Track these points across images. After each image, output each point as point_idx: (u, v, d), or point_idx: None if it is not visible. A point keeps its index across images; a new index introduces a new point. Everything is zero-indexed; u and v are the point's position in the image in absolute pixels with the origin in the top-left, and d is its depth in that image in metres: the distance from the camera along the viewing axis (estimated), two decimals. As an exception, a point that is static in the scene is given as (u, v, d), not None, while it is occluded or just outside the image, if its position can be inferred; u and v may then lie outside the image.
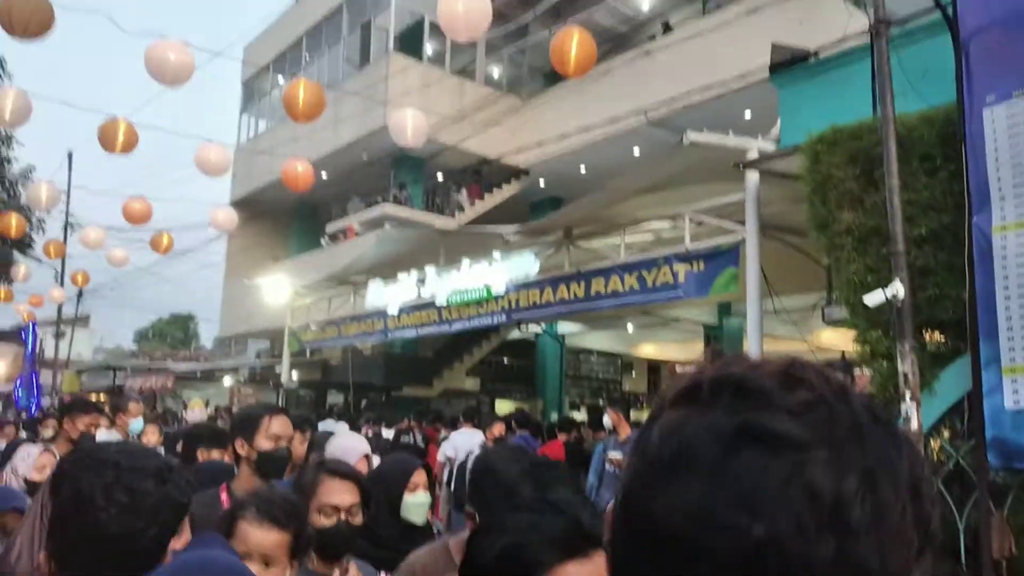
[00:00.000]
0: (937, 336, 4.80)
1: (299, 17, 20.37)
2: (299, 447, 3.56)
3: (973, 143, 4.24)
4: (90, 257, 16.26)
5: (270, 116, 21.48)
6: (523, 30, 15.30)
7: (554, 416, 14.98)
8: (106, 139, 8.61)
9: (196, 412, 12.04)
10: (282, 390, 15.51)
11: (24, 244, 20.65)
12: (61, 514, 1.30)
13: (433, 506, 3.59)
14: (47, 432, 7.48)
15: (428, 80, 16.71)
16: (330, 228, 18.60)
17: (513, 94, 17.64)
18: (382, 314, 12.26)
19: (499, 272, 10.16)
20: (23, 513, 2.70)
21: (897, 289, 4.37)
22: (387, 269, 12.16)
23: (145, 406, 9.63)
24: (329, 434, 4.01)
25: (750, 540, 0.49)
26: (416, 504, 2.64)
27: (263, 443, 2.76)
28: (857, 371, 5.71)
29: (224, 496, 2.68)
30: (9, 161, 20.68)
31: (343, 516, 2.23)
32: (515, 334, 17.76)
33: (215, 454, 4.23)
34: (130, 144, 8.70)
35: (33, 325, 19.93)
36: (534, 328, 17.19)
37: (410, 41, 17.53)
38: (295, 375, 15.74)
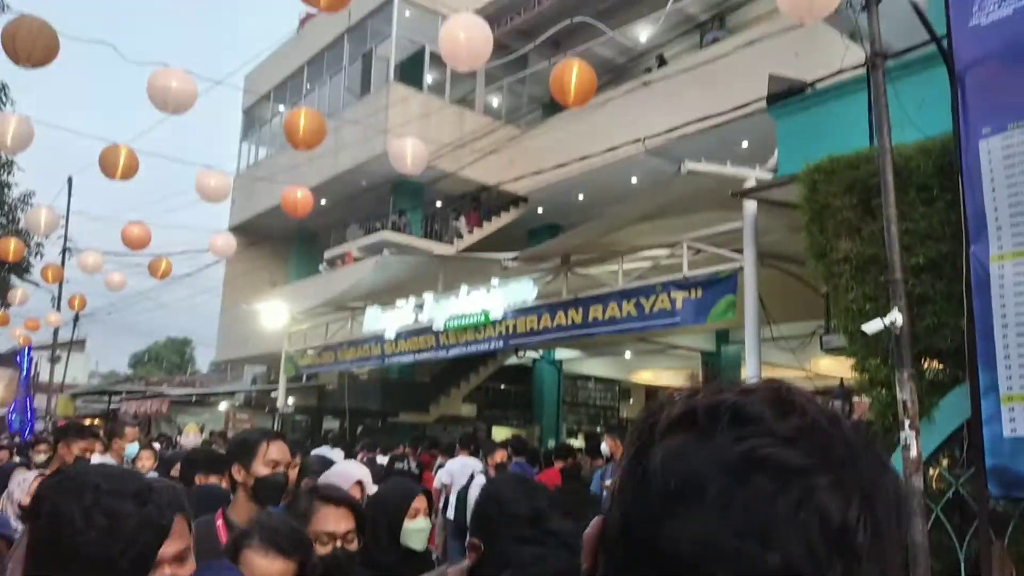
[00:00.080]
0: (936, 364, 4.81)
1: (300, 47, 20.59)
2: (291, 473, 3.53)
3: (970, 174, 4.28)
4: (87, 281, 16.24)
5: (270, 143, 21.62)
6: (522, 61, 15.47)
7: (551, 443, 14.89)
8: (107, 165, 8.65)
9: (191, 437, 11.97)
10: (278, 415, 15.43)
11: (21, 268, 20.63)
12: (40, 538, 1.27)
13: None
14: (39, 457, 7.43)
15: (428, 109, 16.86)
16: (328, 254, 18.64)
17: (512, 124, 17.79)
18: (379, 339, 12.25)
19: (497, 298, 10.18)
20: (11, 542, 2.68)
21: (896, 317, 4.39)
22: (385, 295, 12.17)
23: (140, 431, 9.56)
24: (321, 459, 3.98)
25: (765, 568, 0.49)
26: (416, 530, 2.62)
27: (260, 469, 2.71)
28: (856, 399, 5.71)
29: (220, 523, 2.65)
30: (9, 186, 20.73)
31: (339, 543, 2.21)
32: (512, 360, 17.72)
33: (212, 479, 4.20)
34: (131, 170, 8.74)
35: (29, 349, 19.85)
36: (531, 354, 17.18)
37: (410, 71, 17.71)
38: (291, 400, 15.66)
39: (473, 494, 6.54)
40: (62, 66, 6.81)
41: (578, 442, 16.08)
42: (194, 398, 23.15)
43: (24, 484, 4.07)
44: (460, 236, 17.41)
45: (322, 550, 2.17)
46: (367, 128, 15.73)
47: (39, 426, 18.56)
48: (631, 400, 21.02)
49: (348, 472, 3.40)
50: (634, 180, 14.46)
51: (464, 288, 10.63)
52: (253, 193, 19.95)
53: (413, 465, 10.30)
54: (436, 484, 9.20)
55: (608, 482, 6.23)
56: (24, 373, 19.14)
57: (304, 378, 16.34)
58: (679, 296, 8.06)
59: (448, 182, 16.73)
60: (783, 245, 7.28)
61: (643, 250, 8.98)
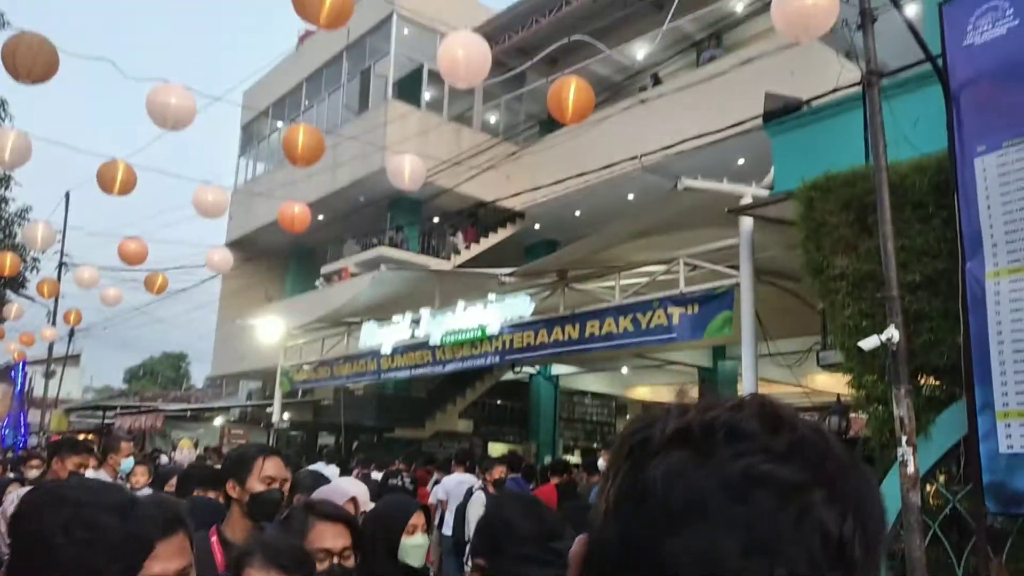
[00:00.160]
0: (932, 381, 4.82)
1: (299, 63, 20.69)
2: (284, 489, 3.50)
3: (965, 191, 4.32)
4: (82, 296, 16.22)
5: (268, 159, 21.67)
6: (520, 78, 15.56)
7: (548, 459, 14.85)
8: (104, 180, 8.66)
9: (185, 453, 11.92)
10: (273, 431, 15.36)
11: (17, 283, 20.59)
12: (21, 554, 1.24)
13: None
14: (32, 472, 7.38)
15: (426, 126, 16.93)
16: (325, 270, 18.64)
17: (509, 140, 17.87)
18: (375, 354, 12.23)
19: (493, 314, 10.18)
20: (2, 562, 2.66)
21: (892, 334, 4.40)
22: (382, 310, 12.16)
23: (134, 446, 9.52)
24: (312, 474, 3.93)
25: None
26: (414, 546, 2.60)
27: (255, 485, 2.68)
28: (853, 415, 5.71)
29: (214, 539, 2.63)
30: (6, 201, 20.73)
31: (335, 560, 2.20)
32: (509, 376, 17.69)
33: (210, 496, 4.17)
34: (128, 185, 8.75)
35: (23, 364, 19.78)
36: (528, 369, 17.15)
37: (409, 88, 17.81)
38: (286, 416, 15.60)
39: (472, 510, 6.52)
40: (61, 82, 6.83)
41: (575, 458, 16.03)
42: (189, 413, 23.05)
43: (17, 500, 4.04)
44: (457, 252, 17.43)
45: (319, 567, 2.15)
46: (365, 144, 15.78)
47: (33, 441, 18.46)
48: (628, 416, 20.98)
49: (342, 489, 3.36)
50: (631, 196, 14.51)
51: (461, 303, 10.63)
52: (250, 208, 19.97)
53: (407, 481, 10.25)
54: (432, 500, 9.16)
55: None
56: (18, 388, 19.06)
57: (300, 393, 16.28)
58: (676, 312, 8.07)
59: (445, 198, 16.78)
60: (779, 261, 7.30)
61: (640, 266, 9.00)
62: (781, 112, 6.50)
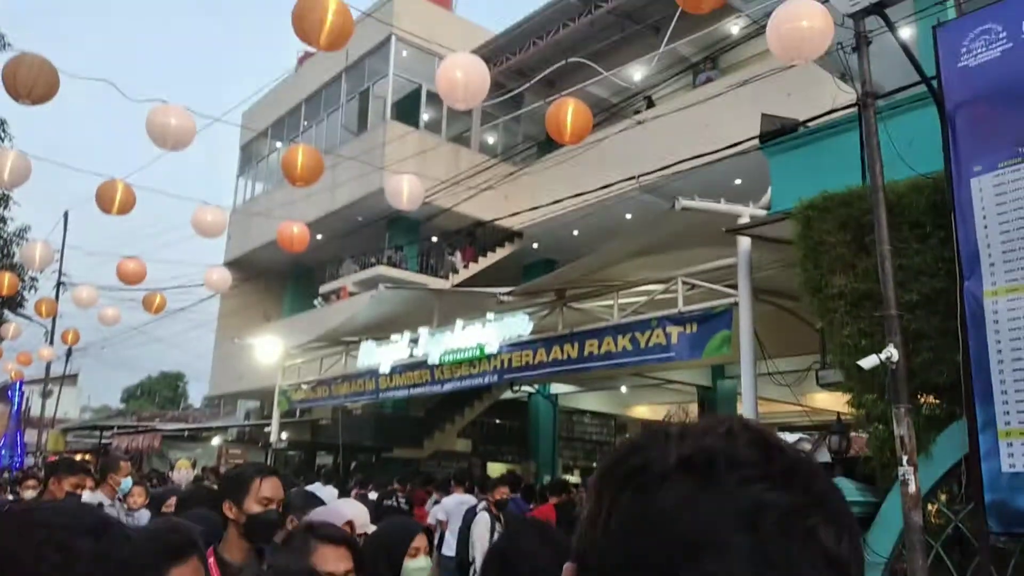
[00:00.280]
0: (932, 400, 4.82)
1: (298, 85, 20.82)
2: None
3: (962, 211, 4.34)
4: (80, 316, 16.20)
5: (267, 179, 21.74)
6: (518, 99, 15.66)
7: (547, 478, 14.78)
8: (103, 200, 8.68)
9: (183, 473, 11.85)
10: (271, 450, 15.28)
11: (15, 302, 20.56)
12: None
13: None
14: (28, 492, 7.35)
15: (424, 146, 17.01)
16: (324, 289, 18.64)
17: (507, 161, 17.96)
18: (373, 374, 12.20)
19: (492, 332, 10.18)
20: None
21: (891, 353, 4.40)
22: (380, 330, 12.15)
23: (131, 466, 9.47)
24: (303, 494, 3.90)
25: None
26: (417, 569, 2.58)
27: (252, 506, 2.65)
28: (853, 434, 5.70)
29: (212, 561, 2.61)
30: (5, 220, 20.74)
31: None
32: (508, 395, 17.65)
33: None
34: (127, 205, 8.76)
35: (20, 383, 19.71)
36: (527, 388, 17.11)
37: (407, 109, 17.92)
38: (284, 435, 15.53)
39: (478, 531, 6.48)
40: (61, 102, 6.86)
41: (574, 478, 15.95)
42: (186, 433, 22.95)
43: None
44: (455, 271, 17.45)
45: (322, 591, 2.13)
46: (364, 165, 15.84)
47: (29, 461, 18.36)
48: (627, 435, 20.88)
49: (339, 512, 3.33)
50: (628, 216, 14.56)
51: (459, 322, 10.63)
52: (249, 228, 20.00)
53: (403, 502, 10.20)
54: (431, 520, 9.11)
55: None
56: (15, 408, 18.99)
57: (298, 413, 16.22)
58: (674, 331, 8.08)
59: (444, 218, 16.82)
60: (777, 281, 7.32)
61: (638, 285, 9.01)
62: (778, 133, 6.55)
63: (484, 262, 17.62)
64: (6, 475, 14.52)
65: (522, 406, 18.57)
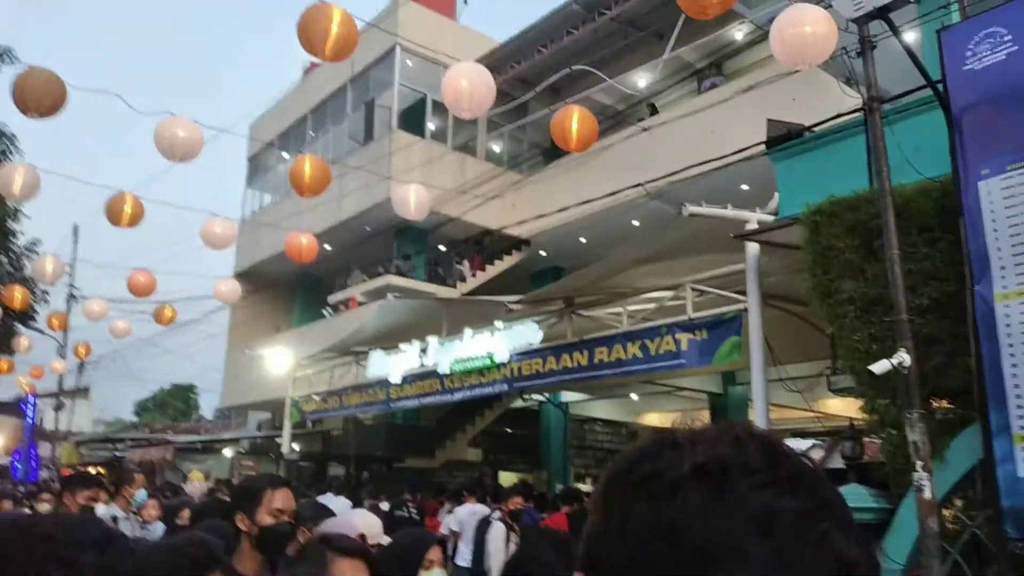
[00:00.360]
0: (946, 404, 4.79)
1: (304, 96, 20.94)
2: None
3: (970, 214, 4.32)
4: (91, 328, 16.28)
5: (274, 190, 21.85)
6: (523, 108, 15.70)
7: (559, 487, 14.74)
8: (113, 213, 8.73)
9: (196, 485, 11.87)
10: (283, 462, 15.31)
11: (27, 316, 20.70)
12: None
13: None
14: (43, 506, 7.38)
15: (430, 156, 17.06)
16: (333, 299, 18.69)
17: (514, 169, 17.99)
18: (384, 384, 12.21)
19: (501, 341, 10.18)
20: None
21: (903, 358, 4.38)
22: (389, 339, 12.17)
23: (145, 479, 9.50)
24: (314, 505, 3.89)
25: None
26: (431, 581, 2.57)
27: (264, 518, 2.63)
28: (866, 439, 5.67)
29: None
30: (15, 234, 20.90)
31: None
32: (518, 403, 17.63)
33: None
34: (136, 218, 8.81)
35: (33, 397, 19.82)
36: (537, 397, 17.08)
37: (413, 118, 17.97)
38: (296, 446, 15.56)
39: (493, 541, 6.47)
40: (69, 115, 6.91)
41: (586, 486, 15.88)
42: (199, 445, 23.01)
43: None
44: (464, 280, 17.46)
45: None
46: (370, 175, 15.90)
47: (43, 474, 18.44)
48: (632, 443, 20.79)
49: (351, 524, 3.32)
50: (636, 223, 14.54)
51: (468, 331, 10.63)
52: (258, 239, 20.08)
53: (413, 512, 10.18)
54: (444, 530, 9.10)
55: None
56: (28, 421, 19.08)
57: (309, 424, 16.24)
58: (684, 338, 8.06)
59: (451, 227, 16.85)
60: (786, 286, 7.30)
61: (647, 292, 9.00)
62: (784, 138, 6.54)
63: (492, 270, 17.63)
64: (21, 489, 14.59)
65: (533, 415, 18.54)
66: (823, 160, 6.25)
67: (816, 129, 6.54)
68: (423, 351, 11.37)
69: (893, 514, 4.80)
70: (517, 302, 10.19)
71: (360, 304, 17.01)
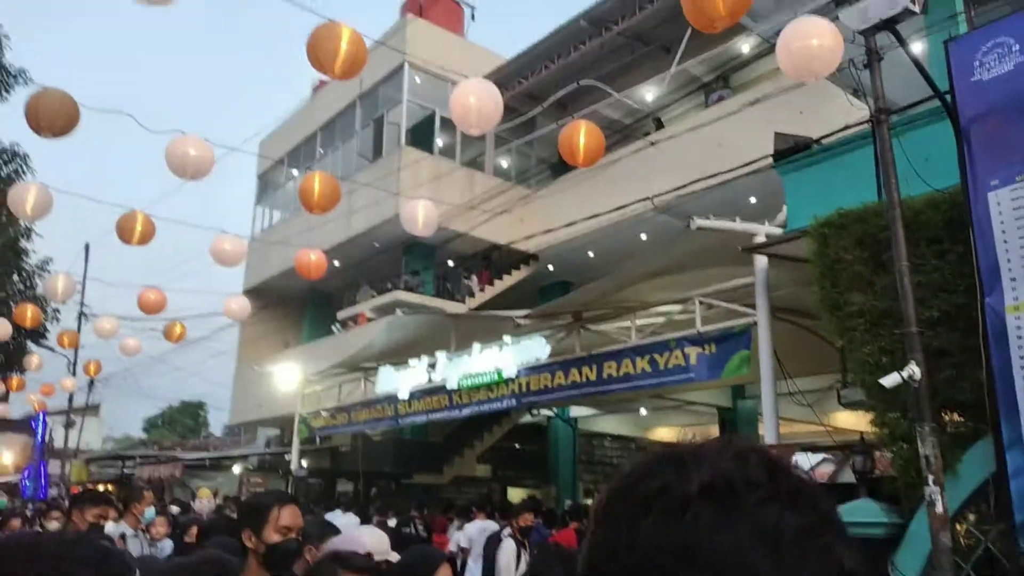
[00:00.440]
0: (957, 417, 4.74)
1: (314, 113, 21.10)
2: None
3: (980, 226, 4.30)
4: (101, 346, 16.35)
5: (284, 207, 21.97)
6: (531, 123, 15.77)
7: (568, 503, 14.66)
8: (124, 231, 8.79)
9: (204, 502, 11.85)
10: (291, 478, 15.29)
11: (38, 334, 20.82)
12: None
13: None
14: (52, 524, 7.38)
15: (439, 172, 17.14)
16: (341, 315, 18.73)
17: (521, 184, 18.04)
18: (392, 400, 12.20)
19: (510, 356, 10.16)
20: None
21: (913, 371, 4.35)
22: (398, 355, 12.17)
23: (154, 496, 9.50)
24: (320, 523, 3.87)
25: None
26: (440, 600, 2.55)
27: (272, 535, 2.61)
28: (877, 453, 5.62)
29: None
30: (27, 253, 21.06)
31: None
32: (526, 418, 17.57)
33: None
34: (147, 236, 8.87)
35: (43, 415, 19.88)
36: (546, 412, 17.03)
37: (421, 135, 18.07)
38: (304, 463, 15.54)
39: (503, 558, 6.43)
40: (81, 134, 6.98)
41: (595, 502, 15.74)
42: (208, 462, 23.01)
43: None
44: (472, 295, 17.47)
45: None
46: (379, 191, 15.97)
47: (52, 492, 18.47)
48: (630, 460, 20.61)
49: (357, 541, 3.30)
50: (644, 237, 14.54)
51: (477, 346, 10.62)
52: (267, 256, 20.18)
53: (420, 528, 10.14)
54: (453, 547, 9.05)
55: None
56: (39, 439, 19.14)
57: (317, 440, 16.23)
58: (693, 352, 8.02)
59: (459, 242, 16.89)
60: (796, 299, 7.27)
61: (655, 306, 8.98)
62: (791, 151, 6.54)
63: (500, 285, 17.64)
64: (30, 507, 14.61)
65: (541, 430, 18.47)
66: (831, 172, 6.24)
67: (824, 141, 6.54)
68: (431, 366, 11.36)
69: (905, 529, 4.75)
70: (525, 317, 10.18)
71: (369, 320, 17.04)
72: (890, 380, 4.40)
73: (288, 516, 2.66)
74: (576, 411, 17.39)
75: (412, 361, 11.74)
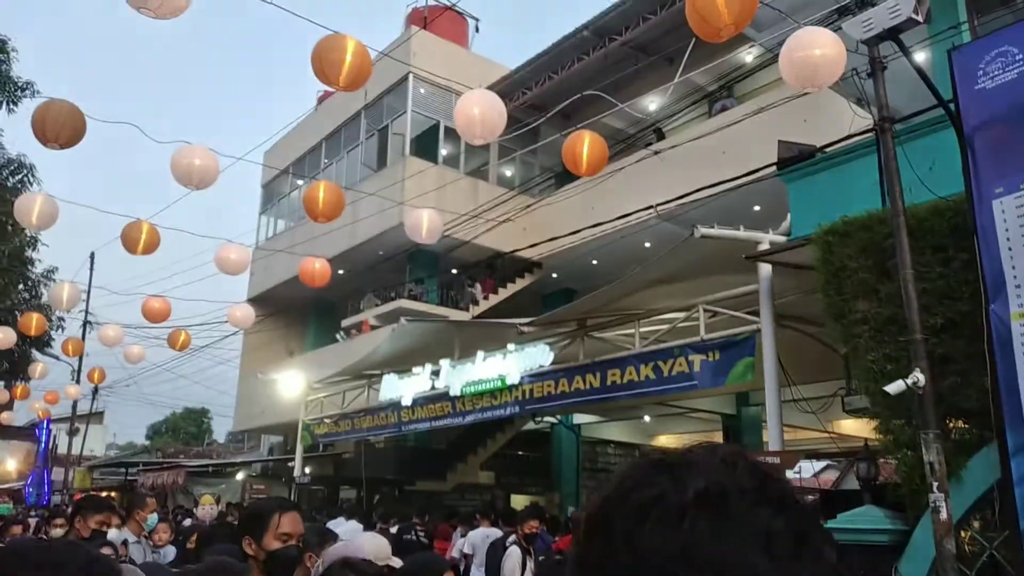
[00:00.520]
0: (961, 424, 4.75)
1: (318, 124, 21.16)
2: None
3: (984, 233, 4.32)
4: (106, 354, 16.39)
5: (288, 216, 22.03)
6: (535, 133, 15.81)
7: (572, 510, 14.62)
8: (129, 241, 8.83)
9: (207, 509, 11.86)
10: (294, 485, 15.29)
11: (42, 342, 20.87)
12: None
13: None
14: (56, 531, 7.39)
15: (443, 181, 17.19)
16: (345, 323, 18.76)
17: (525, 193, 18.08)
18: (396, 407, 12.21)
19: (513, 363, 10.17)
20: None
21: (918, 378, 4.35)
22: (402, 362, 12.18)
23: (156, 503, 9.50)
24: (319, 530, 3.87)
25: None
26: (445, 607, 2.56)
27: (272, 542, 2.61)
28: (882, 460, 5.62)
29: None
30: (33, 262, 21.13)
31: None
32: (530, 426, 17.54)
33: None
34: (152, 245, 8.90)
35: (48, 422, 19.92)
36: (549, 419, 17.02)
37: (425, 145, 18.13)
38: (307, 470, 15.54)
39: (508, 565, 6.43)
40: (86, 144, 7.02)
41: (599, 510, 15.70)
42: (211, 469, 23.00)
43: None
44: (476, 302, 17.50)
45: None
46: (383, 200, 16.02)
47: (56, 499, 18.49)
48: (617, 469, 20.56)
49: (357, 547, 3.30)
50: (647, 244, 14.54)
51: (480, 354, 10.63)
52: (272, 265, 20.23)
53: (421, 535, 10.12)
54: (455, 554, 9.04)
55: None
56: (43, 446, 19.17)
57: (321, 447, 16.22)
58: (697, 359, 8.02)
59: (463, 250, 16.92)
60: (800, 306, 7.28)
61: (659, 313, 8.98)
62: (796, 159, 6.56)
63: (504, 293, 17.66)
64: (32, 514, 14.62)
65: (545, 437, 18.45)
66: (835, 181, 6.26)
67: (828, 150, 6.56)
68: (435, 374, 11.38)
69: (909, 536, 4.74)
70: (529, 324, 10.20)
71: (373, 328, 17.06)
72: (894, 387, 4.40)
73: (288, 523, 2.65)
74: (580, 418, 17.38)
75: (416, 368, 11.76)
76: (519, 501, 16.29)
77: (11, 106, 16.91)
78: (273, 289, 20.75)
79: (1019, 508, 4.02)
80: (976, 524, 4.58)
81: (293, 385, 14.67)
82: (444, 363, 11.20)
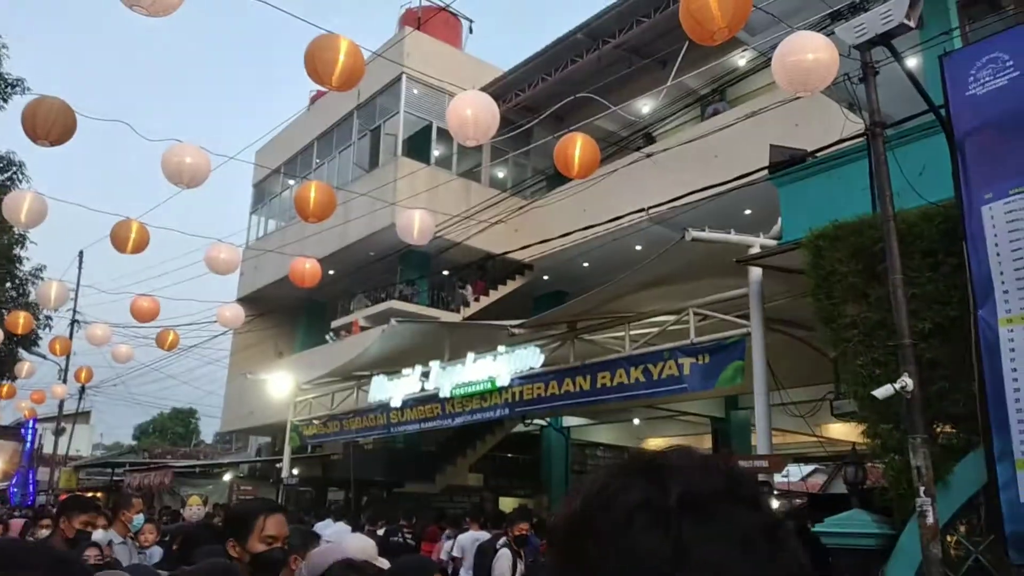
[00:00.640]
0: (949, 429, 4.76)
1: (311, 123, 21.11)
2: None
3: (974, 239, 4.33)
4: (93, 353, 16.29)
5: (279, 216, 21.96)
6: (527, 135, 15.82)
7: (560, 514, 14.59)
8: (118, 240, 8.77)
9: (194, 510, 11.77)
10: (282, 486, 15.21)
11: (29, 341, 20.72)
12: None
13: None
14: (42, 532, 7.31)
15: (435, 182, 17.17)
16: (335, 324, 18.70)
17: (517, 195, 18.08)
18: (385, 408, 12.17)
19: (503, 365, 10.16)
20: None
21: (906, 382, 4.37)
22: (391, 364, 12.15)
23: (143, 503, 9.43)
24: (301, 532, 3.83)
25: None
26: (433, 609, 2.55)
27: (256, 545, 2.58)
28: (869, 464, 5.63)
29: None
30: (21, 260, 20.97)
31: None
32: (519, 428, 17.52)
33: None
34: (141, 244, 8.84)
35: (34, 421, 19.77)
36: (539, 421, 17.01)
37: (418, 145, 18.12)
38: (295, 471, 15.47)
39: (499, 568, 6.42)
40: (77, 141, 6.97)
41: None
42: (198, 469, 22.88)
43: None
44: (466, 304, 17.48)
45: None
46: (375, 201, 15.99)
47: (41, 499, 18.34)
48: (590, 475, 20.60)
49: (341, 548, 3.27)
50: (638, 247, 14.57)
51: (470, 356, 10.61)
52: (261, 265, 20.15)
53: (408, 537, 10.08)
54: (443, 556, 9.01)
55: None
56: (28, 446, 19.02)
57: (309, 448, 16.16)
58: (686, 362, 8.03)
59: (455, 251, 16.90)
60: (789, 310, 7.30)
61: (650, 316, 8.99)
62: (787, 163, 6.58)
63: (495, 295, 17.65)
64: (16, 514, 14.48)
65: (534, 439, 18.44)
66: (826, 185, 6.28)
67: (819, 154, 6.58)
68: (425, 375, 11.35)
69: (896, 540, 4.75)
70: (519, 326, 10.19)
71: (363, 329, 17.01)
72: (883, 392, 4.42)
73: (273, 525, 2.62)
74: (569, 421, 17.38)
75: (405, 370, 11.72)
76: (508, 503, 16.27)
77: (1, 103, 16.81)
78: (263, 289, 20.67)
79: (1004, 513, 4.03)
80: (962, 528, 4.59)
81: (282, 386, 14.61)
82: (434, 365, 11.18)
